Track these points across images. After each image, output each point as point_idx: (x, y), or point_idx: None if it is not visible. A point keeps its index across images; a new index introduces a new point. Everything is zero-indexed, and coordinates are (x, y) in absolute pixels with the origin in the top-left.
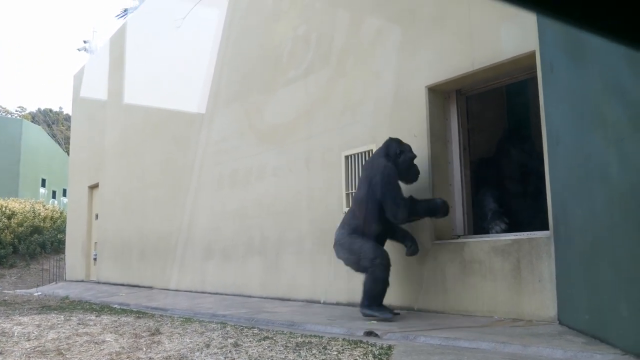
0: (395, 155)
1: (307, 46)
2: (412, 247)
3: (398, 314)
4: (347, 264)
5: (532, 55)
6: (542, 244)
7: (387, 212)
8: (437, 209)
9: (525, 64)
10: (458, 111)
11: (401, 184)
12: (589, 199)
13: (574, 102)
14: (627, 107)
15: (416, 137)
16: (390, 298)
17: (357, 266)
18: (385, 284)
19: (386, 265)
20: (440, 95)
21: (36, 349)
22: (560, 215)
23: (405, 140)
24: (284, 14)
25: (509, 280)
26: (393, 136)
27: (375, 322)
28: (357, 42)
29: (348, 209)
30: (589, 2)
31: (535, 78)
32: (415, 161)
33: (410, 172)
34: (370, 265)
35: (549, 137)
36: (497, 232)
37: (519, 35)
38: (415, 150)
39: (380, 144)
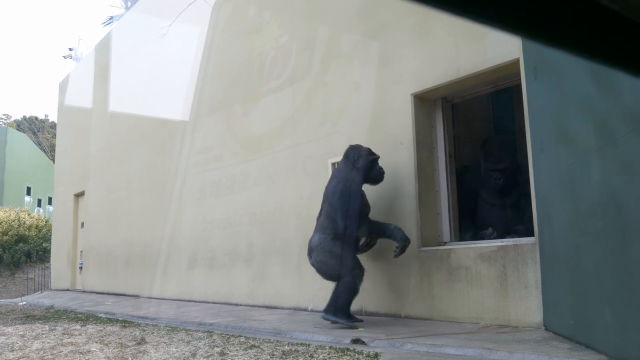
0: (355, 161)
1: (289, 56)
2: (397, 250)
3: (361, 320)
4: (322, 269)
5: (516, 62)
6: (528, 251)
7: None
8: (390, 233)
9: (509, 71)
10: (444, 118)
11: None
12: (572, 206)
13: (555, 111)
14: (600, 122)
15: (402, 144)
16: (377, 305)
17: (332, 272)
18: (354, 294)
19: (362, 276)
20: (426, 102)
21: None
22: (544, 221)
23: (391, 148)
24: (265, 24)
25: (495, 286)
26: (376, 144)
27: (362, 329)
28: (339, 51)
29: (319, 215)
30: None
31: (520, 85)
32: (403, 166)
33: (372, 174)
34: (347, 275)
35: (533, 144)
36: (487, 237)
37: (503, 42)
38: (401, 157)
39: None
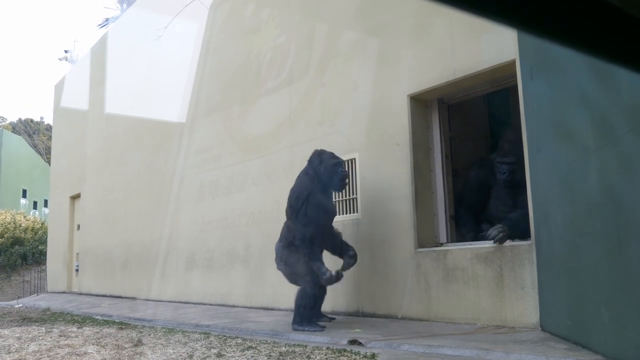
0: (317, 166)
1: (286, 56)
2: (346, 261)
3: (334, 318)
4: (285, 276)
5: (512, 63)
6: (524, 251)
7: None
8: (342, 255)
9: (506, 72)
10: (440, 119)
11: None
12: (569, 207)
13: (552, 112)
14: (599, 121)
15: (399, 145)
16: (373, 306)
17: (291, 280)
18: (313, 300)
19: (315, 282)
20: (422, 103)
21: None
22: (541, 222)
23: (388, 149)
24: (263, 24)
25: (492, 287)
26: (373, 144)
27: (359, 330)
28: (336, 52)
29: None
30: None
31: (516, 86)
32: (399, 167)
33: (333, 179)
34: (301, 283)
35: (529, 145)
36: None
37: (499, 44)
38: (398, 158)
39: (365, 153)
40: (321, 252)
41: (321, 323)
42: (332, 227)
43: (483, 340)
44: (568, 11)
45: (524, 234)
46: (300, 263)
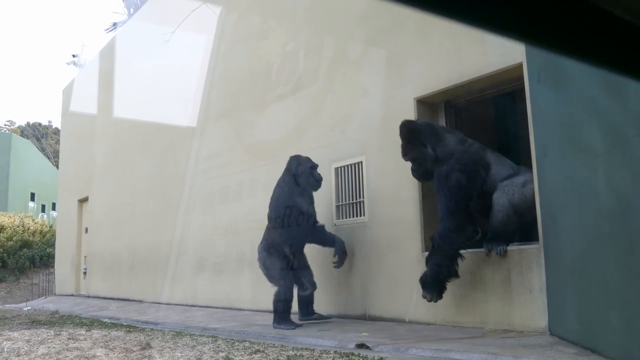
0: (295, 169)
1: (295, 63)
2: (337, 260)
3: (329, 317)
4: (264, 276)
5: (519, 66)
6: (532, 255)
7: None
8: (332, 244)
9: (513, 75)
10: (447, 123)
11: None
12: (577, 210)
13: (559, 116)
14: (607, 126)
15: None
16: (380, 309)
17: (269, 280)
18: (287, 302)
19: (289, 286)
20: (429, 107)
21: None
22: (549, 226)
23: (395, 152)
24: (272, 30)
25: (500, 291)
26: (380, 148)
27: (366, 333)
28: (345, 57)
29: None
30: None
31: (523, 89)
32: (406, 170)
33: (309, 181)
34: (276, 285)
35: (537, 149)
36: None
37: (506, 46)
38: (404, 162)
39: (372, 157)
40: (302, 250)
41: (300, 322)
42: (315, 224)
43: (491, 345)
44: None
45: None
46: (276, 267)
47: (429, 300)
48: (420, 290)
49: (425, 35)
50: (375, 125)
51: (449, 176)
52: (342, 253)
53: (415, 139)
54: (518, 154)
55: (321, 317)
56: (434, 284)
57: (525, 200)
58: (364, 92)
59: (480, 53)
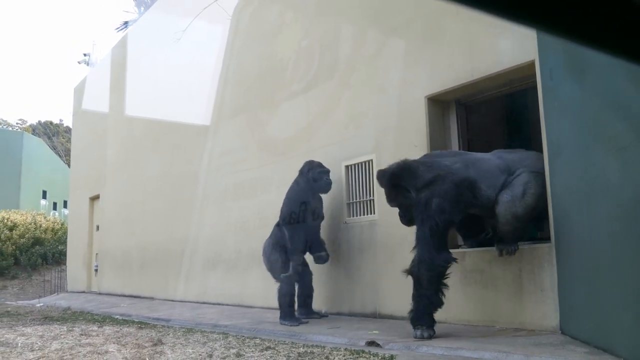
0: (307, 173)
1: (310, 59)
2: (319, 258)
3: (325, 315)
4: (268, 271)
5: (531, 64)
6: (544, 254)
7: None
8: (316, 256)
9: (524, 73)
10: (458, 121)
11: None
12: (591, 209)
13: (574, 113)
14: (628, 120)
15: (416, 147)
16: (391, 308)
17: (272, 276)
18: (290, 297)
19: (292, 282)
20: (440, 105)
21: None
22: (561, 224)
23: (405, 150)
24: (287, 27)
25: (511, 289)
26: (389, 146)
27: (376, 331)
28: (360, 54)
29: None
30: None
31: (535, 87)
32: None
33: (319, 184)
34: (279, 280)
35: (549, 147)
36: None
37: (518, 44)
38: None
39: (382, 155)
40: (305, 252)
41: (305, 320)
42: (318, 228)
43: (502, 343)
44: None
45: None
46: (279, 262)
47: (422, 338)
48: None
49: (437, 32)
50: (387, 124)
51: (428, 202)
52: (318, 259)
53: (396, 185)
54: None
55: (321, 316)
56: (423, 319)
57: (528, 207)
58: (374, 90)
59: (492, 51)
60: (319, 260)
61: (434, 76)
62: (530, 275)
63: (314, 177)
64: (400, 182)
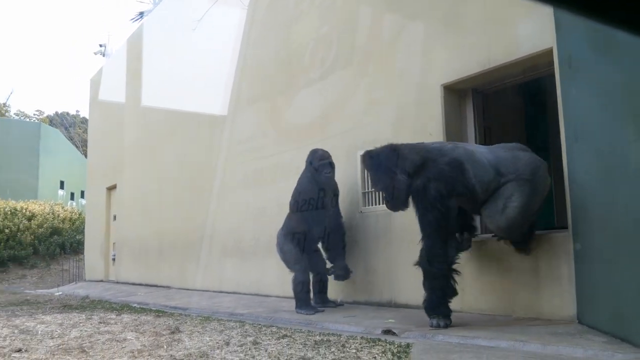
0: (310, 163)
1: (328, 46)
2: (335, 272)
3: (341, 304)
4: (282, 261)
5: (549, 51)
6: (561, 242)
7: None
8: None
9: (542, 60)
10: (474, 109)
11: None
12: (610, 196)
13: (594, 97)
14: (633, 107)
15: (432, 135)
16: (407, 297)
17: (286, 266)
18: (304, 286)
19: (305, 270)
20: (456, 93)
21: (60, 347)
22: (579, 213)
23: (421, 139)
24: (304, 14)
25: (528, 279)
26: (404, 135)
27: (392, 320)
28: (377, 42)
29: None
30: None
31: (553, 74)
32: None
33: (320, 175)
34: (292, 269)
35: (567, 134)
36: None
37: (535, 31)
38: None
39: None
40: (318, 241)
41: (320, 308)
42: (337, 225)
43: (518, 332)
44: None
45: None
46: (293, 252)
47: (438, 327)
48: None
49: (454, 20)
50: (403, 112)
51: (425, 189)
52: (337, 277)
53: (383, 166)
54: (547, 141)
55: (336, 305)
56: (438, 309)
57: (511, 220)
58: (391, 78)
59: (509, 38)
60: (336, 278)
61: (450, 64)
62: (547, 265)
63: (315, 167)
64: (387, 163)
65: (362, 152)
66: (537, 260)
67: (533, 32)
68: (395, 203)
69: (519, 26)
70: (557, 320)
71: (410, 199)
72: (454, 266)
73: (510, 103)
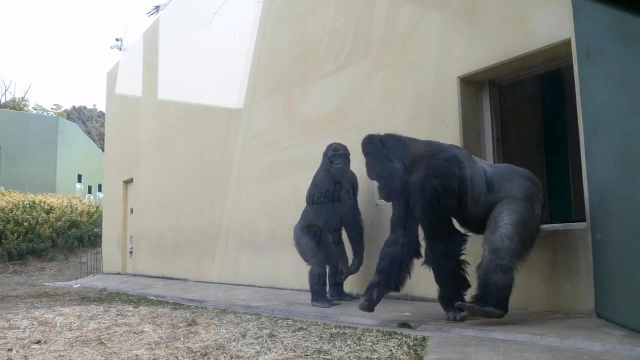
0: (325, 156)
1: (344, 38)
2: (353, 268)
3: (357, 297)
4: (299, 255)
5: (567, 42)
6: (579, 235)
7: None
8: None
9: (560, 52)
10: (491, 102)
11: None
12: (628, 187)
13: (616, 88)
14: None
15: (448, 128)
16: (424, 290)
17: (304, 259)
18: (320, 279)
19: (321, 264)
20: (473, 85)
21: (78, 339)
22: (597, 205)
23: (437, 132)
24: (320, 6)
25: (545, 272)
26: (420, 128)
27: (408, 313)
28: (393, 33)
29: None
30: None
31: (571, 66)
32: None
33: (331, 166)
34: (309, 262)
35: (585, 127)
36: None
37: (553, 22)
38: (447, 141)
39: (415, 136)
40: (335, 234)
41: (336, 301)
42: (355, 219)
43: (535, 326)
44: None
45: None
46: (309, 245)
47: (454, 320)
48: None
49: (471, 11)
50: (420, 105)
51: (423, 186)
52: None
53: (382, 153)
54: (565, 133)
55: (353, 298)
56: (450, 302)
57: (507, 239)
58: (408, 71)
59: (527, 30)
60: (353, 272)
61: (467, 56)
62: (564, 258)
63: (330, 160)
64: (387, 150)
65: None
66: (554, 253)
67: (551, 22)
68: (389, 193)
69: (537, 16)
70: (574, 314)
71: (406, 192)
72: (463, 258)
73: (527, 95)
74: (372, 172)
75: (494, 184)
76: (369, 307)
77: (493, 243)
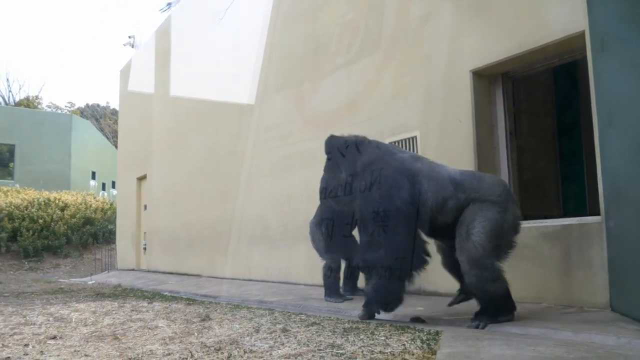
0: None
1: (355, 32)
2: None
3: (350, 299)
4: (315, 250)
5: (581, 35)
6: (593, 230)
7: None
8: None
9: (574, 44)
10: (504, 95)
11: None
12: None
13: (631, 79)
14: None
15: (461, 122)
16: (436, 284)
17: (319, 254)
18: (334, 274)
19: (335, 259)
20: (486, 79)
21: (93, 334)
22: (612, 199)
23: (450, 126)
24: (331, 1)
25: (559, 266)
26: (433, 121)
27: (421, 308)
28: (405, 27)
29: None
30: None
31: (585, 58)
32: (461, 145)
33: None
34: (323, 258)
35: (599, 119)
36: None
37: (567, 14)
38: (460, 135)
39: (427, 131)
40: (348, 228)
41: (349, 296)
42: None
43: (549, 320)
44: None
45: None
46: (323, 240)
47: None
48: None
49: (483, 4)
50: (432, 99)
51: (385, 179)
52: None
53: (333, 157)
54: (579, 126)
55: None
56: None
57: (481, 247)
58: (419, 64)
59: (540, 22)
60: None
61: (479, 49)
62: (578, 252)
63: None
64: (339, 156)
65: (390, 139)
66: (568, 247)
67: (564, 14)
68: (336, 201)
69: (550, 9)
70: (589, 308)
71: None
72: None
73: (540, 88)
74: (323, 179)
75: (464, 184)
76: (369, 318)
77: (469, 252)
